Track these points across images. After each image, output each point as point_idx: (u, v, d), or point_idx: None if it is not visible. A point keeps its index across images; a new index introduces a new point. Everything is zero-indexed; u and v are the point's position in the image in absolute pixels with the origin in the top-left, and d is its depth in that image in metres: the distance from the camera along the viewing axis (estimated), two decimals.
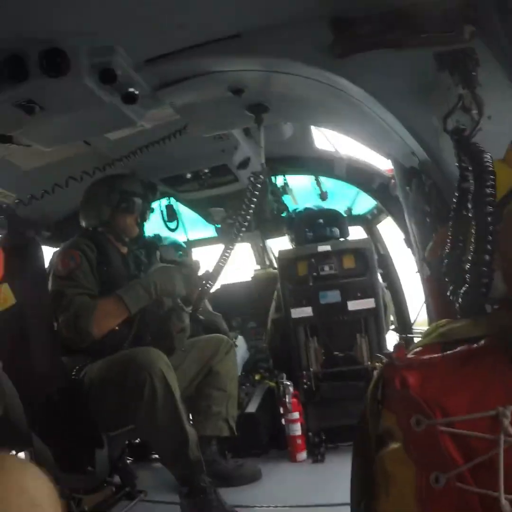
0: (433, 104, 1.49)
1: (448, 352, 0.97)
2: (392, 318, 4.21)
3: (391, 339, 4.16)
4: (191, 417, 3.27)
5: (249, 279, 5.21)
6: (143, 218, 3.22)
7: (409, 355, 1.02)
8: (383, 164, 3.54)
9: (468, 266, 1.01)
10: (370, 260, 3.72)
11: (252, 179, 2.47)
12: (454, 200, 1.21)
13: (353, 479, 1.14)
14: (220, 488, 2.95)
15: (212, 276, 2.92)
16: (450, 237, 1.19)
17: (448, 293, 1.15)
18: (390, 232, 4.45)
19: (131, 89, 1.82)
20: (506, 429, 0.83)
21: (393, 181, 3.36)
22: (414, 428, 0.92)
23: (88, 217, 3.10)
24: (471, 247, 1.01)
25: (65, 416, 2.67)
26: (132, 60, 1.78)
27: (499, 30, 1.35)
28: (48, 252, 3.01)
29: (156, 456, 3.57)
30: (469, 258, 1.01)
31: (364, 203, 4.45)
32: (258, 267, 5.37)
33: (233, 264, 2.83)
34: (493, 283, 0.99)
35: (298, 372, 3.72)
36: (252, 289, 4.90)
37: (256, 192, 2.46)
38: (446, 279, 1.18)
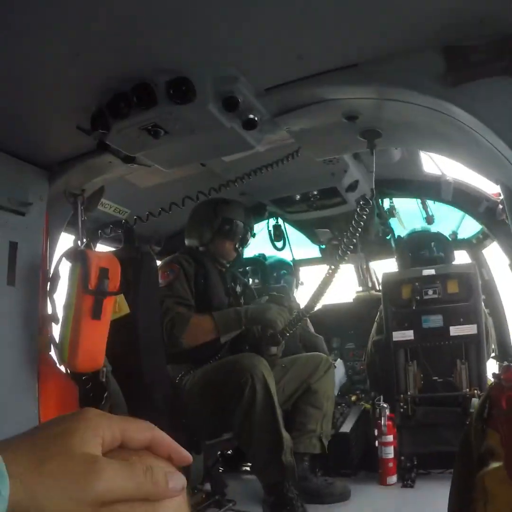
0: None
1: None
2: (493, 345, 4.11)
3: (492, 366, 4.06)
4: None
5: (351, 300, 5.25)
6: (242, 243, 3.37)
7: None
8: (490, 188, 3.51)
9: None
10: (474, 286, 3.66)
11: (361, 202, 2.53)
12: None
13: (452, 493, 1.18)
14: (308, 504, 3.00)
15: (309, 306, 2.92)
16: None
17: None
18: (495, 257, 4.37)
19: (251, 116, 1.96)
20: None
21: (500, 205, 3.33)
22: None
23: (190, 236, 3.33)
24: None
25: (166, 421, 2.83)
26: (253, 88, 1.90)
27: None
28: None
29: (247, 467, 3.69)
30: None
31: (470, 227, 4.39)
32: (360, 289, 5.40)
33: (336, 285, 2.83)
34: None
35: (395, 395, 3.71)
36: (353, 311, 4.94)
37: (364, 216, 2.52)
38: None
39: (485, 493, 1.03)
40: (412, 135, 2.20)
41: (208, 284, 3.13)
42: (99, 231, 2.77)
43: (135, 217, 2.92)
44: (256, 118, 1.98)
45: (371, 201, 2.57)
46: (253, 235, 3.51)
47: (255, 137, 2.18)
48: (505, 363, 1.11)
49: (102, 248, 3.18)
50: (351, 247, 2.67)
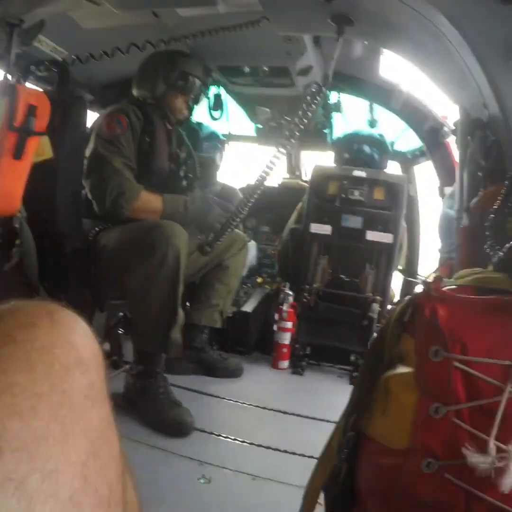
0: None
1: (482, 297, 1.03)
2: (402, 260, 4.25)
3: (396, 279, 4.23)
4: (188, 304, 3.41)
5: (275, 185, 5.21)
6: (195, 102, 3.18)
7: (445, 290, 1.07)
8: (438, 109, 3.49)
9: None
10: (400, 198, 3.71)
11: (313, 89, 2.43)
12: None
13: (353, 391, 1.22)
14: (202, 376, 3.16)
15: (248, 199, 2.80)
16: (502, 197, 1.22)
17: (485, 246, 1.20)
18: (424, 176, 4.44)
19: None
20: None
21: (445, 128, 3.33)
22: (431, 357, 0.99)
23: (141, 87, 3.04)
24: None
25: (74, 275, 2.77)
26: None
27: None
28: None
29: None
30: None
31: (408, 141, 4.39)
32: (287, 176, 5.37)
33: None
34: None
35: (301, 285, 3.81)
36: (276, 196, 4.91)
37: (315, 102, 2.43)
38: (487, 233, 1.22)
39: (387, 394, 1.08)
40: (386, 32, 2.08)
41: (153, 144, 2.92)
42: (32, 67, 2.51)
43: (73, 56, 2.66)
44: None
45: (323, 89, 2.49)
46: (206, 97, 3.34)
47: None
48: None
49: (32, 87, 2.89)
50: (297, 133, 2.54)
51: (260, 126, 4.54)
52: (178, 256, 2.56)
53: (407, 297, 1.10)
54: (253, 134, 4.77)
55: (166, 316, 2.59)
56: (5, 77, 2.23)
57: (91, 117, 3.05)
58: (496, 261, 1.09)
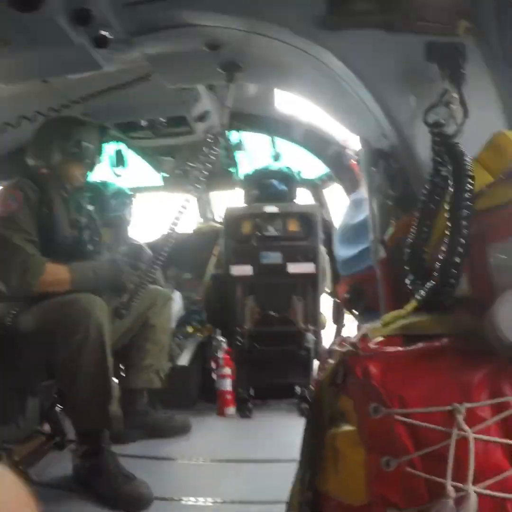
0: (415, 93, 1.48)
1: (411, 347, 1.02)
2: (328, 282, 4.29)
3: (326, 302, 4.26)
4: (121, 367, 3.29)
5: (190, 231, 5.17)
6: (90, 168, 3.12)
7: (371, 345, 1.05)
8: (339, 132, 3.56)
9: (437, 264, 1.04)
10: (315, 226, 3.76)
11: (210, 140, 2.43)
12: (424, 191, 1.24)
13: (302, 450, 1.19)
14: (150, 439, 3.06)
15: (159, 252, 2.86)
16: (415, 227, 1.22)
17: (406, 281, 1.19)
18: (335, 197, 4.53)
19: (104, 33, 1.74)
20: (459, 424, 0.90)
21: (347, 150, 3.40)
22: (371, 415, 0.97)
23: (35, 156, 2.95)
24: (442, 247, 1.04)
25: None
26: (110, 1, 1.68)
27: (492, 30, 1.36)
28: None
29: None
30: (440, 256, 1.05)
31: (314, 168, 4.48)
32: (201, 220, 5.35)
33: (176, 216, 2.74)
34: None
35: (232, 328, 3.77)
36: (192, 242, 4.87)
37: (215, 152, 2.43)
38: (406, 268, 1.22)
39: (336, 452, 1.06)
40: (277, 74, 2.09)
41: (51, 215, 2.80)
42: None
43: None
44: (109, 36, 1.75)
45: (219, 139, 2.50)
46: (101, 161, 3.24)
47: (105, 57, 1.91)
48: (363, 328, 1.13)
49: None
50: (202, 179, 2.55)
51: (166, 175, 4.50)
52: (100, 328, 2.48)
53: (335, 358, 1.08)
54: (161, 183, 4.73)
55: (100, 391, 2.49)
56: None
57: None
58: (419, 300, 1.08)
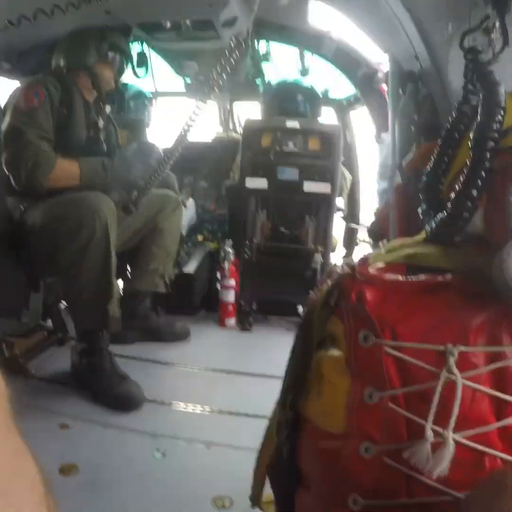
0: (454, 16, 1.39)
1: (412, 277, 0.97)
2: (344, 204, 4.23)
3: (338, 224, 4.23)
4: (129, 269, 3.33)
5: (209, 140, 5.07)
6: (121, 73, 3.14)
7: (371, 270, 1.02)
8: (371, 54, 3.41)
9: (452, 195, 0.99)
10: (336, 147, 3.64)
11: (233, 43, 2.33)
12: (450, 119, 1.17)
13: (287, 370, 1.18)
14: (149, 342, 3.13)
15: (170, 154, 2.83)
16: (436, 156, 1.16)
17: (419, 210, 1.15)
18: (360, 121, 4.38)
19: None
20: (450, 366, 0.87)
21: (379, 74, 3.26)
22: (360, 342, 0.95)
23: (68, 56, 2.93)
24: (461, 177, 0.98)
25: (4, 258, 2.64)
26: None
27: None
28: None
29: None
30: (457, 187, 0.98)
31: (343, 88, 4.31)
32: (221, 129, 5.23)
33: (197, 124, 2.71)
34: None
35: (242, 241, 3.75)
36: (210, 151, 4.78)
37: (234, 57, 2.36)
38: (420, 196, 1.17)
39: (320, 376, 1.05)
40: None
41: (70, 115, 2.80)
42: None
43: None
44: None
45: (244, 44, 2.43)
46: (132, 65, 3.25)
47: None
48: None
49: None
50: (216, 87, 2.58)
51: (188, 80, 4.36)
52: (106, 227, 2.48)
53: (333, 279, 1.05)
54: (182, 89, 4.60)
55: (101, 291, 2.52)
56: None
57: (8, 86, 2.96)
58: (429, 231, 1.03)
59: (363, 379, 0.96)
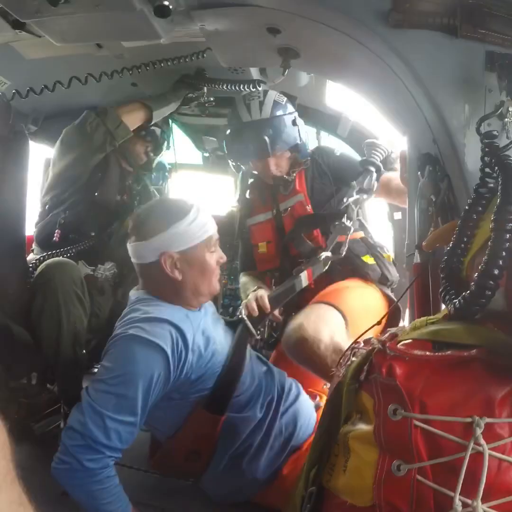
0: (470, 101, 1.46)
1: (439, 353, 1.00)
2: None
3: None
4: None
5: (223, 214, 5.10)
6: (155, 151, 3.27)
7: (400, 346, 1.04)
8: (385, 134, 3.50)
9: (476, 274, 1.01)
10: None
11: None
12: (468, 201, 1.21)
13: (314, 444, 1.18)
14: None
15: None
16: (455, 236, 1.19)
17: (440, 290, 1.16)
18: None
19: (166, 2, 1.73)
20: (477, 437, 0.88)
21: (392, 154, 3.34)
22: (389, 416, 0.96)
23: None
24: (483, 257, 1.01)
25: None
26: None
27: None
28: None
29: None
30: (479, 267, 1.01)
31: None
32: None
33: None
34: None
35: None
36: (224, 225, 4.73)
37: None
38: (441, 275, 1.19)
39: (347, 450, 1.05)
40: (332, 65, 2.06)
41: (103, 179, 2.96)
42: None
43: (14, 91, 2.57)
44: (170, 6, 1.74)
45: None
46: (168, 147, 3.48)
47: (164, 27, 1.92)
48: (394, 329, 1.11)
49: None
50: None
51: (206, 154, 4.48)
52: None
53: (363, 355, 1.06)
54: (200, 162, 4.71)
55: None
56: None
57: (34, 149, 2.98)
58: (451, 309, 1.05)
59: (391, 452, 0.97)
